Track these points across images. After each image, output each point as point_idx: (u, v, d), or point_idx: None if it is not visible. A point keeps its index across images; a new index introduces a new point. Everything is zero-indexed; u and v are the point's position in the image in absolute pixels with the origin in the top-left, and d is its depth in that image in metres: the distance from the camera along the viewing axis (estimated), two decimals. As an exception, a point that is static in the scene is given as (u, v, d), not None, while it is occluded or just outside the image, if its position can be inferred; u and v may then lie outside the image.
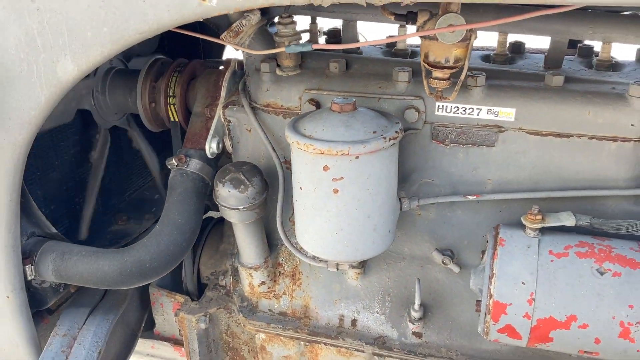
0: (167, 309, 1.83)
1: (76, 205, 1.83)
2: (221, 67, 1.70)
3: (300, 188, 1.30)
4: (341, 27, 1.61)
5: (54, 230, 1.57)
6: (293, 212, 1.46)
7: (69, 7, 1.07)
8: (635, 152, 1.28)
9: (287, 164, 1.51)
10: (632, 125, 1.26)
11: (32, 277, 1.51)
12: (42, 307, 1.64)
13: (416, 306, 1.47)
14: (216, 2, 0.96)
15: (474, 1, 0.95)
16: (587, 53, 1.53)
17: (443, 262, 1.47)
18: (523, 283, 1.21)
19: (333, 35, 1.68)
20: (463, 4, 1.13)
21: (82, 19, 1.07)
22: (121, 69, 1.77)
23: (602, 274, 1.19)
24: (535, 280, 1.20)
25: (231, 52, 2.15)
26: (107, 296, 1.72)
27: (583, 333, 1.19)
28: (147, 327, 1.92)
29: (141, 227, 1.98)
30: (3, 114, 1.22)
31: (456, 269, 1.47)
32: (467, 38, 1.16)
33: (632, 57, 1.54)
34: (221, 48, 2.17)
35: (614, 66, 1.47)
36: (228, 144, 1.58)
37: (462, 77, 1.23)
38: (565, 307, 1.19)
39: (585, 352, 1.23)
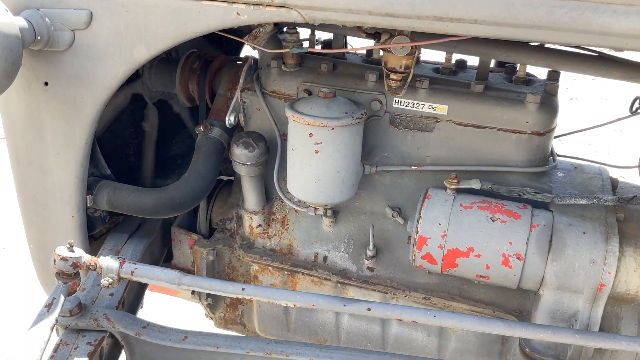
0: (184, 245, 2.35)
1: (133, 164, 2.37)
2: (239, 62, 2.24)
3: (292, 149, 1.84)
4: (332, 39, 2.17)
5: (108, 172, 2.11)
6: (286, 174, 2.01)
7: (147, 11, 1.61)
8: (529, 141, 1.81)
9: (283, 136, 2.04)
10: (527, 122, 1.79)
11: (90, 204, 2.05)
12: (91, 232, 2.17)
13: (370, 246, 1.99)
14: (247, 17, 1.51)
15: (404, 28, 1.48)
16: (511, 71, 2.07)
17: (392, 216, 1.99)
18: (439, 224, 1.74)
19: (327, 45, 2.23)
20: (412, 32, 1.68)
21: (156, 20, 1.61)
22: (164, 59, 2.30)
23: (493, 221, 1.72)
24: (447, 222, 1.74)
25: (247, 52, 2.67)
26: (141, 228, 2.25)
27: (478, 260, 1.72)
28: (166, 259, 2.45)
29: (167, 181, 2.51)
30: (91, 80, 1.76)
31: (401, 221, 1.99)
32: (413, 53, 1.70)
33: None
34: (240, 49, 2.72)
35: (527, 81, 2.00)
36: (242, 119, 2.12)
37: (409, 79, 1.77)
38: (467, 242, 1.72)
39: (480, 276, 1.76)
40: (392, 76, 1.77)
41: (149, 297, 2.43)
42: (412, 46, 1.66)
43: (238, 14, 1.51)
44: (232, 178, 2.43)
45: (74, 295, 1.72)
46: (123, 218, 2.29)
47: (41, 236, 2.12)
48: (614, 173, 2.07)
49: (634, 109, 2.10)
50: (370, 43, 2.04)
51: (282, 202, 2.13)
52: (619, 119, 2.10)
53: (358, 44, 2.16)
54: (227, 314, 2.46)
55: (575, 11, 1.25)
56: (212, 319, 2.52)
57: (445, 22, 1.35)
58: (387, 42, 1.70)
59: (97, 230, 2.21)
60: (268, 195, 2.16)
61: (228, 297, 2.42)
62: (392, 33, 1.69)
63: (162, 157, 2.60)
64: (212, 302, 2.40)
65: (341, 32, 1.96)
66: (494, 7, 1.30)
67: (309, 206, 1.99)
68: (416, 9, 1.35)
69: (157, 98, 2.40)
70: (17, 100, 1.88)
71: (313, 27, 1.96)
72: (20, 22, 1.64)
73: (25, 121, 1.91)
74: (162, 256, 2.40)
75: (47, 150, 1.92)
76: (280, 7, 1.46)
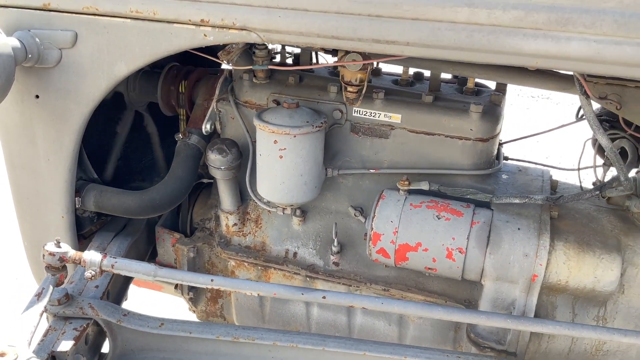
0: (167, 243, 2.54)
1: (103, 162, 2.55)
2: (216, 75, 2.44)
3: (260, 155, 2.03)
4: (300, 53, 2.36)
5: (95, 176, 2.31)
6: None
7: (126, 32, 1.80)
8: (473, 147, 2.00)
9: (254, 142, 2.24)
10: (471, 129, 1.98)
11: (78, 206, 2.24)
12: (81, 231, 2.36)
13: (335, 243, 2.18)
14: (212, 38, 1.71)
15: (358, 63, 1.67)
16: (463, 82, 2.26)
17: (355, 214, 2.18)
18: (391, 221, 1.93)
19: (297, 58, 2.43)
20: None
21: (134, 40, 1.80)
22: (148, 71, 2.50)
23: (439, 218, 1.91)
24: (399, 220, 1.92)
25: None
26: (126, 227, 2.45)
27: (425, 254, 1.91)
28: (151, 258, 2.65)
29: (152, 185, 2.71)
30: (77, 93, 1.96)
31: (363, 220, 2.17)
32: (365, 68, 1.90)
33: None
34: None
35: (476, 92, 2.19)
36: (218, 127, 2.31)
37: (364, 91, 1.96)
38: (415, 237, 1.90)
39: (428, 268, 1.95)
40: (349, 89, 1.96)
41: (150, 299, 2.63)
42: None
43: (205, 35, 1.71)
44: (212, 181, 2.62)
45: (61, 286, 1.90)
46: (110, 218, 2.48)
47: (34, 234, 2.32)
48: (557, 175, 2.26)
49: (579, 115, 2.29)
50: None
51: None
52: (564, 125, 2.29)
53: (325, 58, 2.37)
54: (208, 307, 2.65)
55: (491, 34, 1.45)
56: (194, 312, 2.71)
57: (382, 44, 1.55)
58: (342, 58, 1.89)
59: (86, 230, 2.40)
60: (243, 197, 2.35)
61: (209, 292, 2.61)
62: (347, 51, 1.88)
63: (145, 162, 2.79)
64: (194, 296, 2.58)
65: (303, 46, 2.15)
66: (422, 31, 1.49)
67: (277, 206, 2.19)
68: (357, 32, 1.54)
69: (138, 107, 2.58)
70: (11, 111, 2.07)
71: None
72: (13, 42, 1.84)
73: (18, 130, 2.10)
74: (147, 254, 2.60)
75: (39, 156, 2.11)
76: (242, 29, 1.66)
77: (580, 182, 2.15)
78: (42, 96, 2.01)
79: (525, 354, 1.92)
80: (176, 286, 2.59)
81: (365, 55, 1.84)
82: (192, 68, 2.46)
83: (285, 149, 1.95)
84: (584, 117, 2.29)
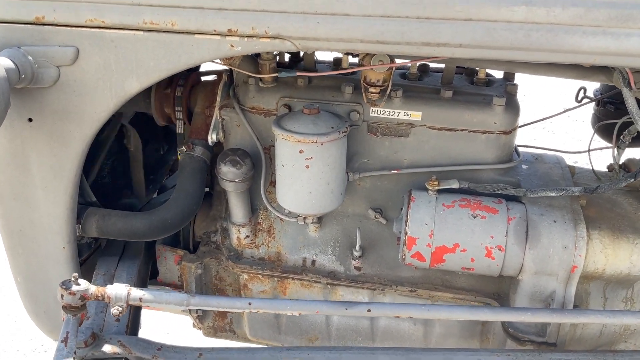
0: (170, 261, 2.38)
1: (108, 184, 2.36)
2: (213, 77, 2.29)
3: (283, 165, 1.92)
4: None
5: (94, 199, 2.12)
6: (269, 184, 2.11)
7: (138, 45, 1.64)
8: (497, 140, 1.97)
9: (265, 150, 2.13)
10: (494, 123, 1.96)
11: (79, 233, 2.06)
12: (79, 258, 2.18)
13: (357, 248, 2.11)
14: (240, 48, 1.58)
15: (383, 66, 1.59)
16: (471, 72, 2.22)
17: (375, 217, 2.12)
18: (426, 224, 1.88)
19: (295, 57, 2.31)
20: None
21: (147, 54, 1.64)
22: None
23: (474, 217, 1.88)
24: (433, 222, 1.88)
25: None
26: (127, 249, 2.28)
27: (463, 255, 1.88)
28: (151, 277, 2.49)
29: (143, 200, 2.54)
30: (79, 114, 1.77)
31: (384, 222, 2.12)
32: (391, 68, 1.82)
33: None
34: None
35: (487, 82, 2.16)
36: (221, 135, 2.18)
37: (387, 92, 1.89)
38: (452, 239, 1.87)
39: (465, 268, 1.92)
40: (371, 89, 1.88)
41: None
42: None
43: (232, 45, 1.58)
44: (207, 189, 2.48)
45: (82, 325, 1.74)
46: (107, 242, 2.31)
47: (29, 268, 2.11)
48: (567, 158, 2.28)
49: (579, 98, 2.31)
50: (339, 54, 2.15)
51: (267, 211, 2.21)
52: (567, 110, 2.31)
53: (325, 55, 2.27)
54: (216, 322, 2.53)
55: (549, 33, 1.41)
56: (200, 329, 2.58)
57: (432, 47, 1.48)
58: (365, 59, 1.80)
59: (83, 257, 2.22)
60: (253, 207, 2.24)
61: (217, 307, 2.48)
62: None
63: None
64: (202, 313, 2.46)
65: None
66: (477, 32, 1.43)
67: (298, 216, 2.09)
68: (405, 36, 1.47)
69: (124, 118, 2.40)
70: (-1, 138, 1.86)
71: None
72: (6, 62, 1.63)
73: (8, 158, 1.89)
74: (148, 274, 2.44)
75: (34, 184, 1.91)
76: (274, 38, 1.54)
77: (592, 165, 2.18)
78: (36, 119, 1.81)
79: (565, 343, 1.94)
80: (182, 305, 2.45)
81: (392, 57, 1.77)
82: (185, 73, 2.29)
83: (312, 158, 1.86)
84: (582, 101, 2.32)
